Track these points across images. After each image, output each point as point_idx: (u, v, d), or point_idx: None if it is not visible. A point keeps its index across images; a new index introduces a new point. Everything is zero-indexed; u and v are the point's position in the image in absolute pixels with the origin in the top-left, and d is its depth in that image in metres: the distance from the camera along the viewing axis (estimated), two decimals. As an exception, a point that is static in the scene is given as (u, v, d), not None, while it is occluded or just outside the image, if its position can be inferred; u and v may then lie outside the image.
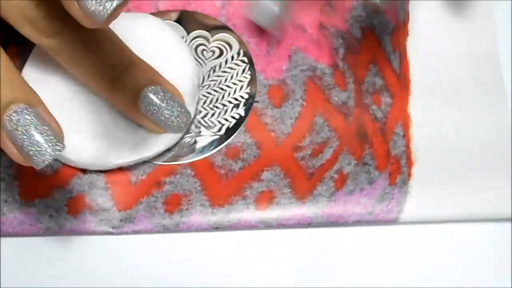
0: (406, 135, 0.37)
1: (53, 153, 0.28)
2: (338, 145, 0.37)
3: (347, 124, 0.37)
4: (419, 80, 0.38)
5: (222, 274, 0.35)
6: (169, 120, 0.33)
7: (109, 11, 0.25)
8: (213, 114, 0.37)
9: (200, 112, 0.37)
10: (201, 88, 0.38)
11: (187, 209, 0.35)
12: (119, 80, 0.33)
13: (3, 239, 0.35)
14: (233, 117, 0.37)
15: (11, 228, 0.35)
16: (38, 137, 0.28)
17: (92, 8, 0.25)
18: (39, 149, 0.28)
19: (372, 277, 0.35)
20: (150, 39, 0.36)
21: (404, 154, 0.37)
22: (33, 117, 0.28)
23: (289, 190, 0.36)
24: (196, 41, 0.38)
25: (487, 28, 0.39)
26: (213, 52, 0.38)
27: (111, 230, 0.35)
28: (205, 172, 0.36)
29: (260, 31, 0.38)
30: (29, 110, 0.28)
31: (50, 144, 0.28)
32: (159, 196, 0.36)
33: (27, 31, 0.31)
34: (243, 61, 0.38)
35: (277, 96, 0.37)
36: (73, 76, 0.34)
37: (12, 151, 0.28)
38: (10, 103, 0.28)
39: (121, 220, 0.35)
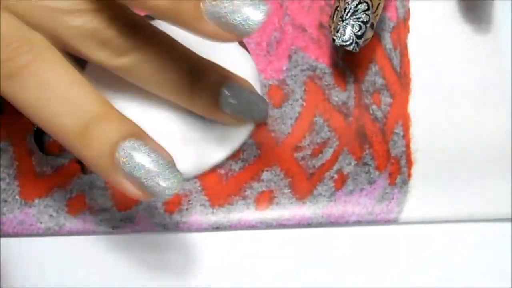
0: (406, 135, 0.37)
1: (175, 181, 0.27)
2: (338, 145, 0.37)
3: (347, 124, 0.37)
4: (420, 79, 0.38)
5: (222, 274, 0.35)
6: (252, 112, 0.33)
7: (260, 21, 0.25)
8: None
9: None
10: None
11: (187, 209, 0.35)
12: (197, 84, 0.32)
13: (3, 239, 0.35)
14: None
15: (11, 228, 0.35)
16: (155, 168, 0.27)
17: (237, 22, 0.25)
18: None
19: (372, 277, 0.35)
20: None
21: (404, 154, 0.37)
22: (145, 149, 0.27)
23: (289, 190, 0.36)
24: None
25: (489, 27, 0.39)
26: None
27: (111, 230, 0.35)
28: (205, 172, 0.36)
29: (260, 31, 0.38)
30: (140, 143, 0.27)
31: (169, 173, 0.27)
32: (159, 196, 0.36)
33: (98, 55, 0.29)
34: None
35: (277, 96, 0.37)
36: (134, 90, 0.33)
37: (132, 190, 0.27)
38: (120, 140, 0.27)
39: (121, 220, 0.35)
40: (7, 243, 0.35)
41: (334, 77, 0.38)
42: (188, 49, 0.32)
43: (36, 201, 0.35)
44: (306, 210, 0.36)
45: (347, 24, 0.34)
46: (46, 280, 0.35)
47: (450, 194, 0.36)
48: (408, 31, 0.39)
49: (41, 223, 0.35)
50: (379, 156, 0.36)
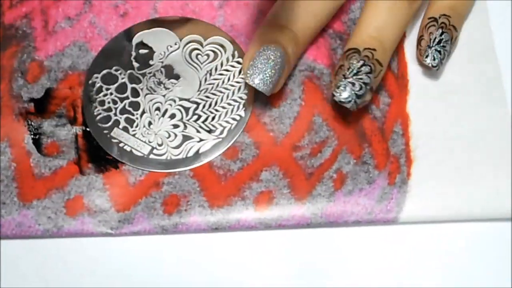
0: (405, 134, 0.37)
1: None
2: (337, 145, 0.37)
3: (346, 123, 0.37)
4: (417, 80, 0.38)
5: (221, 275, 0.35)
6: None
7: None
8: (213, 118, 0.37)
9: (200, 116, 0.37)
10: (198, 92, 0.38)
11: (186, 210, 0.35)
12: None
13: (1, 241, 0.35)
14: (234, 119, 0.37)
15: (9, 231, 0.35)
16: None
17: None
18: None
19: (372, 277, 0.35)
20: None
21: (404, 152, 0.37)
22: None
23: (288, 191, 0.36)
24: (190, 46, 0.39)
25: (483, 25, 0.39)
26: (208, 55, 0.38)
27: (109, 231, 0.35)
28: (204, 172, 0.36)
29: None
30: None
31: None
32: (158, 197, 0.35)
33: None
34: (238, 62, 0.38)
35: (275, 96, 0.37)
36: None
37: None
38: None
39: (119, 221, 0.35)
40: (6, 246, 0.35)
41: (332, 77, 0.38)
42: None
43: (35, 202, 0.35)
44: (305, 211, 0.35)
45: (348, 82, 0.34)
46: (46, 282, 0.34)
47: (449, 194, 0.36)
48: (404, 35, 0.39)
49: (39, 225, 0.35)
50: (378, 155, 0.36)
